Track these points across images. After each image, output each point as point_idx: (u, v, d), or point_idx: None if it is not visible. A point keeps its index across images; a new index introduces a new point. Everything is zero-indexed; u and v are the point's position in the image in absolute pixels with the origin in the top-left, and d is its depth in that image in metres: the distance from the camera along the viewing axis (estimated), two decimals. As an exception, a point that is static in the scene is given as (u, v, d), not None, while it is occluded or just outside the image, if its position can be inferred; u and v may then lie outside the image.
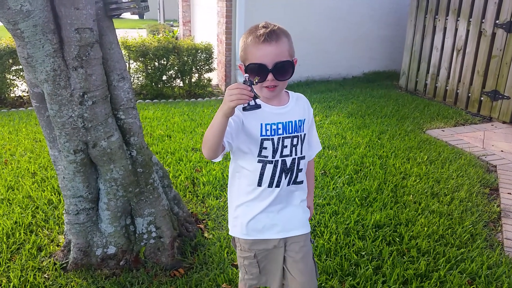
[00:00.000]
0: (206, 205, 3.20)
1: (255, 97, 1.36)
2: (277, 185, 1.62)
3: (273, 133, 1.58)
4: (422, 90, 6.98)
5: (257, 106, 1.38)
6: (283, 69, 1.50)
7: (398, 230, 2.88)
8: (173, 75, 6.94)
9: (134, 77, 6.79)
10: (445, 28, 6.36)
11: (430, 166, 3.98)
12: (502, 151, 4.53)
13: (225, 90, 7.30)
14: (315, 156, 1.84)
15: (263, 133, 1.57)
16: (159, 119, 5.33)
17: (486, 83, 5.75)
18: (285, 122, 1.60)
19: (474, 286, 2.38)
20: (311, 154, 1.78)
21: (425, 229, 2.89)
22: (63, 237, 2.67)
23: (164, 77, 6.87)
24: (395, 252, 2.64)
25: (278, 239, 1.69)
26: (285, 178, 1.62)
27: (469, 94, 6.03)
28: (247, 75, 1.38)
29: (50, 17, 1.94)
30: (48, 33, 1.94)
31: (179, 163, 3.94)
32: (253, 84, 1.37)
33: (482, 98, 5.82)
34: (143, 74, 6.73)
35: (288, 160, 1.61)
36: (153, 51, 6.49)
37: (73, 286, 2.32)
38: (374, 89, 7.19)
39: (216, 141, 1.42)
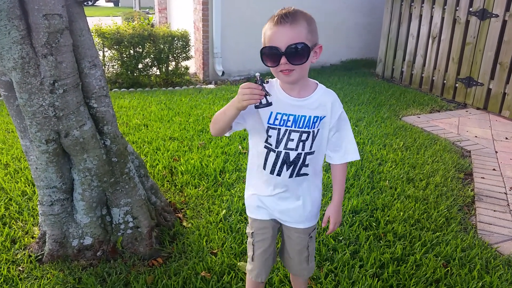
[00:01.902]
0: (185, 194, 3.17)
1: (267, 95, 1.39)
2: (278, 174, 1.61)
3: (281, 124, 1.55)
4: (398, 77, 7.05)
5: (269, 104, 1.41)
6: (297, 52, 1.41)
7: (374, 215, 2.92)
8: (149, 63, 6.83)
9: (109, 65, 6.65)
10: (420, 15, 6.42)
11: (406, 152, 4.04)
12: (476, 136, 4.63)
13: (203, 79, 7.27)
14: (346, 163, 1.71)
15: (271, 121, 1.55)
16: (135, 108, 5.24)
17: (460, 70, 5.84)
18: (298, 115, 1.54)
19: (449, 268, 2.43)
20: (337, 158, 1.68)
21: (401, 213, 2.94)
22: (38, 228, 2.62)
23: (140, 65, 6.75)
24: (371, 236, 2.67)
25: (270, 220, 1.74)
26: (287, 170, 1.60)
27: (444, 81, 6.13)
28: (258, 74, 1.41)
29: (16, 2, 1.86)
30: (14, 19, 1.86)
31: (156, 152, 3.89)
32: (264, 83, 1.41)
33: (457, 85, 5.92)
34: (118, 62, 6.60)
35: (292, 154, 1.58)
36: (128, 39, 6.37)
37: (49, 278, 2.28)
38: (352, 77, 7.23)
39: (225, 126, 1.53)
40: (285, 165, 1.59)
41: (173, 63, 7.06)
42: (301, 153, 1.58)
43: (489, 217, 3.01)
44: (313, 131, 1.57)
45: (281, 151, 1.57)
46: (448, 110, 5.63)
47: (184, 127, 4.56)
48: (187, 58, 7.10)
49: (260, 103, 1.40)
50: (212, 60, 7.23)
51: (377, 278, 2.33)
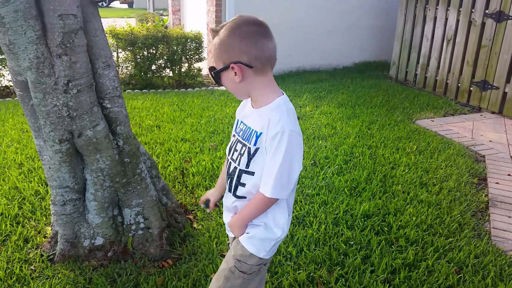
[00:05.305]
0: (196, 196, 3.18)
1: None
2: (228, 188, 1.53)
3: (237, 131, 1.51)
4: (412, 80, 6.99)
5: None
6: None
7: (386, 219, 2.89)
8: (163, 65, 6.87)
9: (122, 66, 6.71)
10: (435, 18, 6.35)
11: (419, 156, 3.99)
12: (490, 141, 4.56)
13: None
14: (262, 194, 1.38)
15: (234, 127, 1.55)
16: (148, 109, 5.27)
17: (475, 73, 5.76)
18: (247, 126, 1.45)
19: (462, 275, 2.39)
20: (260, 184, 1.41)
21: (414, 218, 2.90)
22: (50, 228, 2.64)
23: (153, 67, 6.80)
24: (383, 241, 2.64)
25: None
26: (227, 183, 1.52)
27: (459, 84, 6.05)
28: None
29: (32, 2, 1.88)
30: (30, 19, 1.88)
31: (168, 153, 3.90)
32: None
33: (471, 88, 5.84)
34: (132, 63, 6.65)
35: (231, 165, 1.48)
36: (142, 40, 6.41)
37: (60, 278, 2.29)
38: (365, 79, 7.19)
39: None
40: (227, 176, 1.51)
41: (186, 64, 7.09)
42: (236, 168, 1.44)
43: (503, 223, 2.96)
44: (249, 147, 1.39)
45: (229, 159, 1.52)
46: (462, 114, 5.56)
47: (196, 129, 4.57)
48: (200, 59, 7.12)
49: None
50: (225, 61, 7.22)
51: (388, 284, 2.30)
